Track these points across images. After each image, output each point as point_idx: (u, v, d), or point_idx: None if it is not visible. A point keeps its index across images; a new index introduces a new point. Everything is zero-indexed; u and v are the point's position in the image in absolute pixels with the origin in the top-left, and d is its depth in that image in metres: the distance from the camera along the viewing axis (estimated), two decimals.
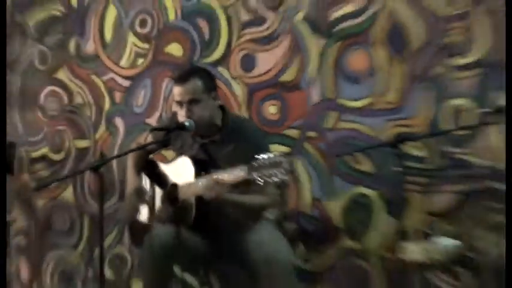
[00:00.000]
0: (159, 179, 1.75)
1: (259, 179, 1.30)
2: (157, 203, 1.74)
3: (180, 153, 1.76)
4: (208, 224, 1.63)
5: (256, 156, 1.33)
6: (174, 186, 1.65)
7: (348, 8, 2.04)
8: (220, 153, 1.68)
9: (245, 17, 2.27)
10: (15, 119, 2.88)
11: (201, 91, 1.64)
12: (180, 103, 1.64)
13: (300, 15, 2.14)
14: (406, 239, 1.79)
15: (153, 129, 1.92)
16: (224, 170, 1.46)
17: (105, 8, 2.64)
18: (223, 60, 2.32)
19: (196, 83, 1.63)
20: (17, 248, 2.81)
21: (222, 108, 1.75)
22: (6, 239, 2.12)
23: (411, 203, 1.89)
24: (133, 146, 2.33)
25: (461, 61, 1.84)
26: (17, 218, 2.80)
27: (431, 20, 1.89)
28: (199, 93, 1.63)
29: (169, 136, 1.66)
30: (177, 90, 1.65)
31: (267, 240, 1.57)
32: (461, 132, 1.81)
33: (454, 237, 1.71)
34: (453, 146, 1.84)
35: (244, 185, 1.42)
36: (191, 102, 1.62)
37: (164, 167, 1.79)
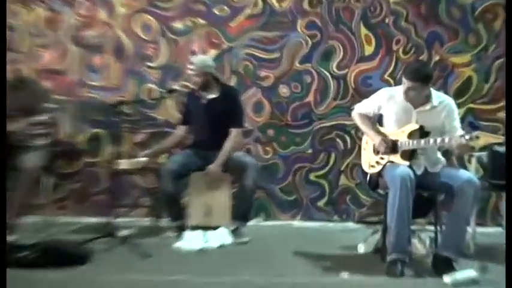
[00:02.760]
0: None
1: None
2: None
3: None
4: None
5: None
6: None
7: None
8: None
9: None
10: None
11: None
12: None
13: None
14: (120, 158, 3.36)
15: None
16: None
17: None
18: None
19: None
20: None
21: None
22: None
23: (125, 138, 3.56)
24: None
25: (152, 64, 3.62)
26: None
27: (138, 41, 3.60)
28: None
29: None
30: None
31: None
32: (150, 101, 3.56)
33: (144, 157, 3.41)
34: (146, 108, 3.59)
35: None
36: None
37: None
